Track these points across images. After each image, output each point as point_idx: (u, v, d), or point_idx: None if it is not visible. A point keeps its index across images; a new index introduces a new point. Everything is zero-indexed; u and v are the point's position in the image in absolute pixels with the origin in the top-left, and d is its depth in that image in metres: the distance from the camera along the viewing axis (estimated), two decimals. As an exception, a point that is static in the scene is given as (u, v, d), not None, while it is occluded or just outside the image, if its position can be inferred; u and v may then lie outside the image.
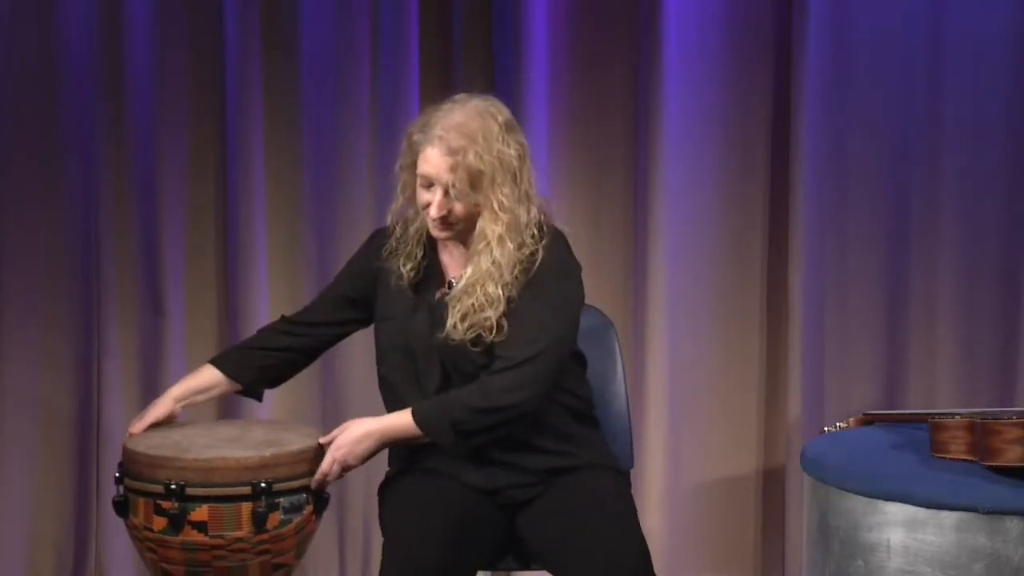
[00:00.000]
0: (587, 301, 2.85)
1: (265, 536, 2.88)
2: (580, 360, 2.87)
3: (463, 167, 2.64)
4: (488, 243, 2.67)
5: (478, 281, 2.67)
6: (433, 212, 2.69)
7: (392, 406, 2.81)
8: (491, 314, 2.66)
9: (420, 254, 2.80)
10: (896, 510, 2.71)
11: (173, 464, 2.87)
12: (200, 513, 2.85)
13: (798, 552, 3.75)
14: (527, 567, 2.80)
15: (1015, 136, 3.83)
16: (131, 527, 2.97)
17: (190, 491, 2.85)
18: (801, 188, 3.82)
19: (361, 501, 3.92)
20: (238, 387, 3.02)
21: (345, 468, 2.78)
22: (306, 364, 3.04)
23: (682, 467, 3.92)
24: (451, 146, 2.64)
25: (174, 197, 3.85)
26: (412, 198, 2.76)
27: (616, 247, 3.92)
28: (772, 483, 3.96)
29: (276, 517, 2.87)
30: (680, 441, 3.91)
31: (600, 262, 3.87)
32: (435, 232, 2.73)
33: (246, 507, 2.84)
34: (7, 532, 3.80)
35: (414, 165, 2.71)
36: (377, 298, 2.84)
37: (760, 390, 3.96)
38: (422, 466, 2.78)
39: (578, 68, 3.88)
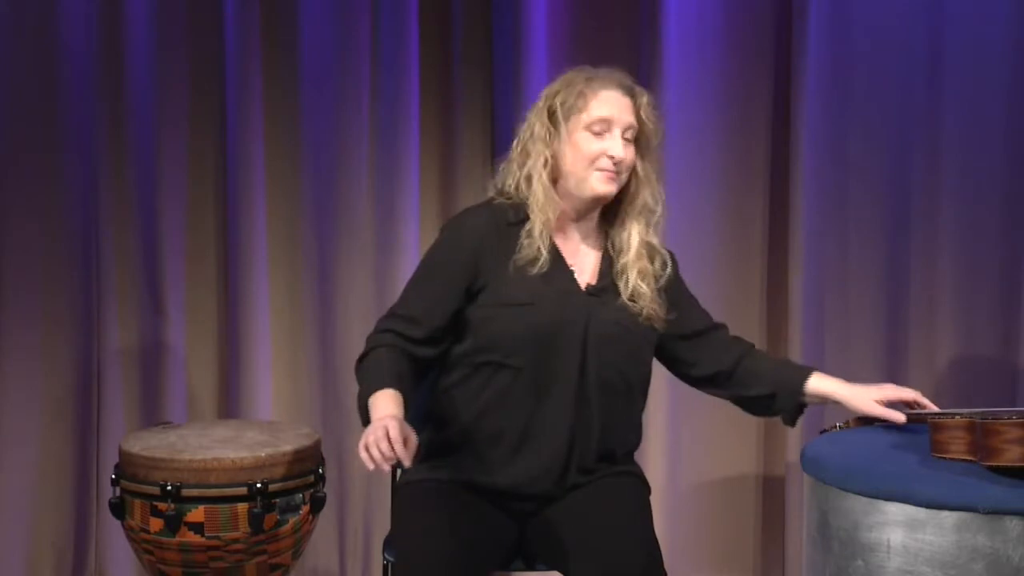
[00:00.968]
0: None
1: (262, 536, 2.88)
2: None
3: (643, 112, 2.69)
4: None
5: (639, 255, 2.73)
6: (618, 151, 2.65)
7: (500, 384, 2.66)
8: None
9: (548, 239, 2.69)
10: (896, 510, 2.69)
11: (169, 465, 2.88)
12: (196, 514, 2.85)
13: (798, 552, 3.75)
14: (532, 567, 2.79)
15: (1015, 135, 3.82)
16: (128, 528, 2.97)
17: (186, 492, 2.85)
18: (801, 188, 3.82)
19: (361, 501, 3.92)
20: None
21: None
22: None
23: (682, 467, 3.92)
24: (628, 87, 2.69)
25: (174, 197, 3.85)
26: (550, 177, 2.69)
27: (616, 247, 3.91)
28: (772, 483, 3.96)
29: (272, 517, 2.88)
30: (680, 441, 3.90)
31: (600, 262, 3.87)
32: (601, 185, 2.67)
33: (242, 508, 2.85)
34: (7, 532, 3.80)
35: (568, 121, 2.67)
36: (487, 283, 2.67)
37: (760, 390, 3.96)
38: (437, 473, 2.70)
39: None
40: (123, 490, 2.99)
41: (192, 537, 2.84)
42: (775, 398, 2.82)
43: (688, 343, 2.84)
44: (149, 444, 3.00)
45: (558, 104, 2.69)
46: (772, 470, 3.96)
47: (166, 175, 3.84)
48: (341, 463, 3.89)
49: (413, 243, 3.85)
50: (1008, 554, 2.58)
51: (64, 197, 3.80)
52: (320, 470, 3.13)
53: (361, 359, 2.66)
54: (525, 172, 2.70)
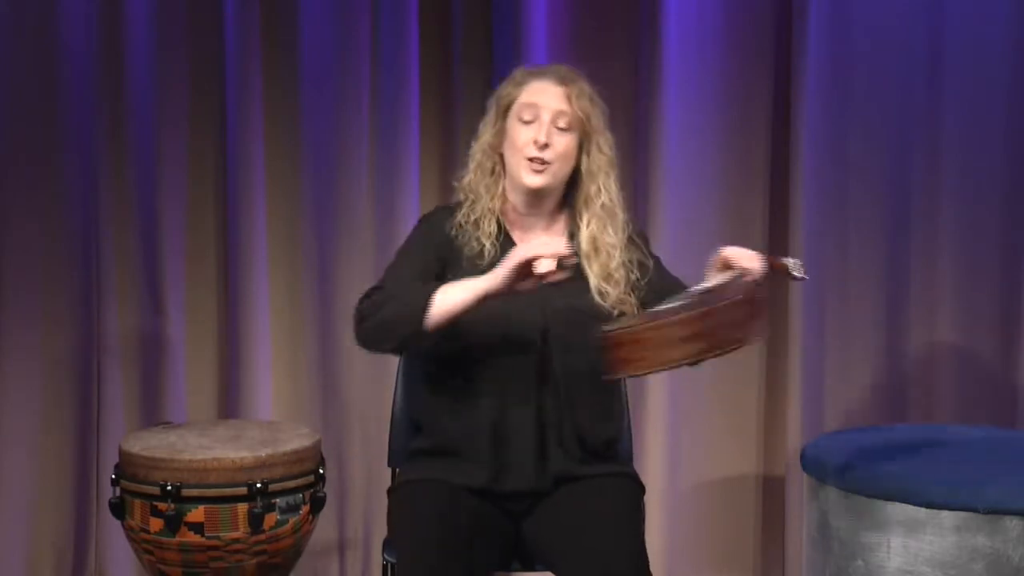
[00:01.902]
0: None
1: (262, 536, 2.88)
2: None
3: (575, 101, 2.67)
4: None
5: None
6: (542, 136, 2.64)
7: (464, 381, 2.67)
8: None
9: (496, 231, 2.71)
10: (896, 510, 2.70)
11: (169, 465, 2.88)
12: (196, 514, 2.85)
13: (798, 552, 3.74)
14: (530, 568, 2.78)
15: (1015, 135, 3.82)
16: (128, 528, 2.97)
17: (186, 492, 2.85)
18: (801, 188, 3.81)
19: (361, 501, 3.92)
20: None
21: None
22: None
23: (682, 467, 3.92)
24: (564, 77, 2.69)
25: (174, 197, 3.85)
26: (490, 168, 2.71)
27: (616, 246, 3.91)
28: (772, 483, 3.95)
29: (272, 517, 2.87)
30: (680, 441, 3.90)
31: (600, 261, 3.86)
32: (529, 177, 2.66)
33: (242, 508, 2.85)
34: (7, 532, 3.80)
35: (507, 115, 2.68)
36: (447, 278, 2.67)
37: (760, 390, 3.95)
38: (432, 474, 2.70)
39: (578, 68, 3.86)
40: (123, 490, 2.99)
41: (192, 537, 2.84)
42: None
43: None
44: (149, 444, 3.00)
45: (501, 98, 2.73)
46: (772, 470, 3.96)
47: (166, 175, 3.84)
48: (341, 463, 3.89)
49: (413, 243, 3.84)
50: (1008, 554, 2.58)
51: (64, 197, 3.80)
52: (320, 470, 3.13)
53: (364, 319, 2.59)
54: (472, 167, 2.75)
